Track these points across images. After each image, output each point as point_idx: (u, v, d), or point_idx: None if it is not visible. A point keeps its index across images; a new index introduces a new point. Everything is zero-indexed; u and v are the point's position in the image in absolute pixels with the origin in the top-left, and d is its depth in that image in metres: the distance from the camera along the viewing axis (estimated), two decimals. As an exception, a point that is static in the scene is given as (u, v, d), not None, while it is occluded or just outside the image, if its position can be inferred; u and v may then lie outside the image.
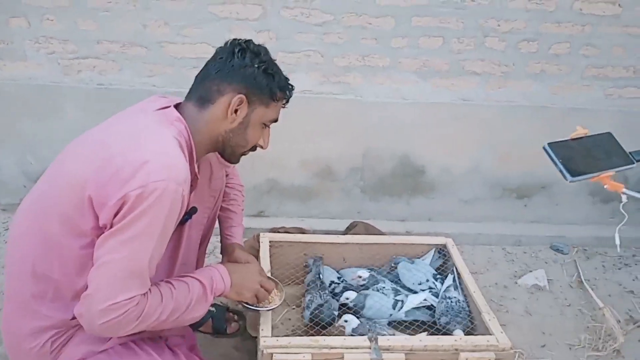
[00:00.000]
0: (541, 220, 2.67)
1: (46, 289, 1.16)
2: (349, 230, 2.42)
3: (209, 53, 2.16)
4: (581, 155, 1.35)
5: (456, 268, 1.94)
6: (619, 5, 2.25)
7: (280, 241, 2.00)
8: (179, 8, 2.13)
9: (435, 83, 2.32)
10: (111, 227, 1.07)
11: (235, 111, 1.25)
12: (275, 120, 1.34)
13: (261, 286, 1.42)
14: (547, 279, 2.32)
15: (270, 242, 1.98)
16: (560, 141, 1.35)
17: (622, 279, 2.39)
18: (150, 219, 1.07)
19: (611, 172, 1.34)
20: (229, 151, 1.32)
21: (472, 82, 2.34)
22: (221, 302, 2.02)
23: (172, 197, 1.08)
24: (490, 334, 1.61)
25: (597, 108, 2.43)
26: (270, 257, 1.90)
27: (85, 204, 1.09)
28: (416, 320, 1.81)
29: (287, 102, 1.34)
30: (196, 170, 1.26)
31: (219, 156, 1.38)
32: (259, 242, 2.02)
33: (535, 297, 2.23)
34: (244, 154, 1.35)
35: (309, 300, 1.81)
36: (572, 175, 1.31)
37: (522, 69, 2.34)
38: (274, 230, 2.21)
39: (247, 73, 1.23)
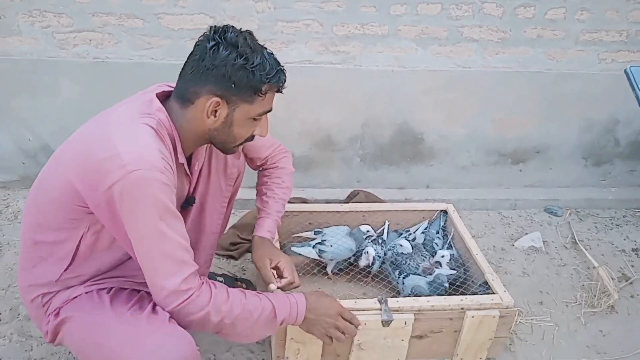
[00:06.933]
0: (535, 184, 2.74)
1: (39, 254, 1.27)
2: (349, 199, 2.46)
3: (207, 23, 2.19)
4: None
5: (457, 232, 2.01)
6: (614, -32, 2.27)
7: (286, 211, 2.02)
8: (175, -22, 2.10)
9: (434, 50, 2.33)
10: (112, 222, 1.15)
11: (215, 112, 1.22)
12: (269, 111, 1.29)
13: (337, 328, 1.39)
14: (543, 241, 2.39)
15: (275, 211, 2.01)
16: None
17: (614, 238, 2.48)
18: (144, 207, 1.11)
19: None
20: (220, 147, 1.33)
21: (470, 49, 2.35)
22: (229, 272, 2.06)
23: (154, 185, 1.11)
24: (494, 293, 1.68)
25: (591, 72, 2.47)
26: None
27: (73, 194, 1.17)
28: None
29: (281, 88, 1.28)
30: (182, 159, 1.27)
31: None
32: (264, 212, 2.05)
33: (532, 258, 2.30)
34: (239, 145, 1.33)
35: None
36: None
37: (519, 35, 2.35)
38: (277, 200, 2.23)
39: (222, 73, 1.17)
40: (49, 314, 1.30)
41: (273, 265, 1.52)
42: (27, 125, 2.34)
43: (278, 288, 1.48)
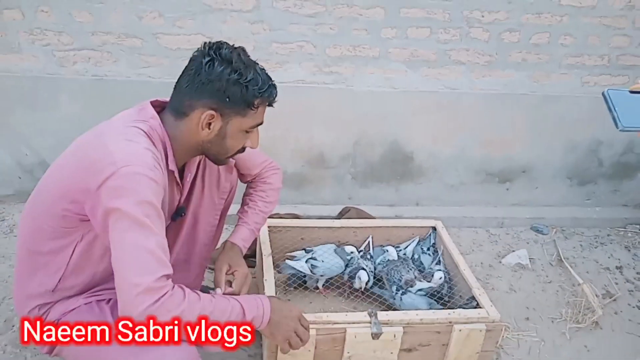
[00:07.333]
0: (522, 203, 2.80)
1: (35, 264, 1.29)
2: (341, 216, 2.51)
3: (204, 44, 2.25)
4: (638, 108, 1.36)
5: (445, 248, 2.06)
6: (595, -4, 2.38)
7: (279, 226, 2.07)
8: None
9: (423, 72, 2.41)
10: (102, 220, 1.14)
11: (209, 125, 1.26)
12: (260, 124, 1.33)
13: (296, 333, 1.37)
14: (529, 258, 2.45)
15: (269, 227, 2.05)
16: (621, 90, 1.36)
17: (598, 257, 2.54)
18: (131, 201, 1.11)
19: None
20: (212, 158, 1.37)
21: (458, 72, 2.43)
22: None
23: (143, 180, 1.13)
24: (481, 308, 1.72)
25: (574, 95, 2.56)
26: (270, 241, 1.98)
27: (68, 201, 1.19)
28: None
29: (273, 102, 1.32)
30: (173, 167, 1.29)
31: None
32: (257, 227, 2.09)
33: (519, 275, 2.36)
34: (231, 156, 1.37)
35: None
36: (625, 124, 1.30)
37: (504, 59, 2.44)
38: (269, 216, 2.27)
39: (216, 87, 1.21)
40: None
41: (231, 272, 1.52)
42: (26, 140, 2.38)
43: (223, 294, 1.45)
